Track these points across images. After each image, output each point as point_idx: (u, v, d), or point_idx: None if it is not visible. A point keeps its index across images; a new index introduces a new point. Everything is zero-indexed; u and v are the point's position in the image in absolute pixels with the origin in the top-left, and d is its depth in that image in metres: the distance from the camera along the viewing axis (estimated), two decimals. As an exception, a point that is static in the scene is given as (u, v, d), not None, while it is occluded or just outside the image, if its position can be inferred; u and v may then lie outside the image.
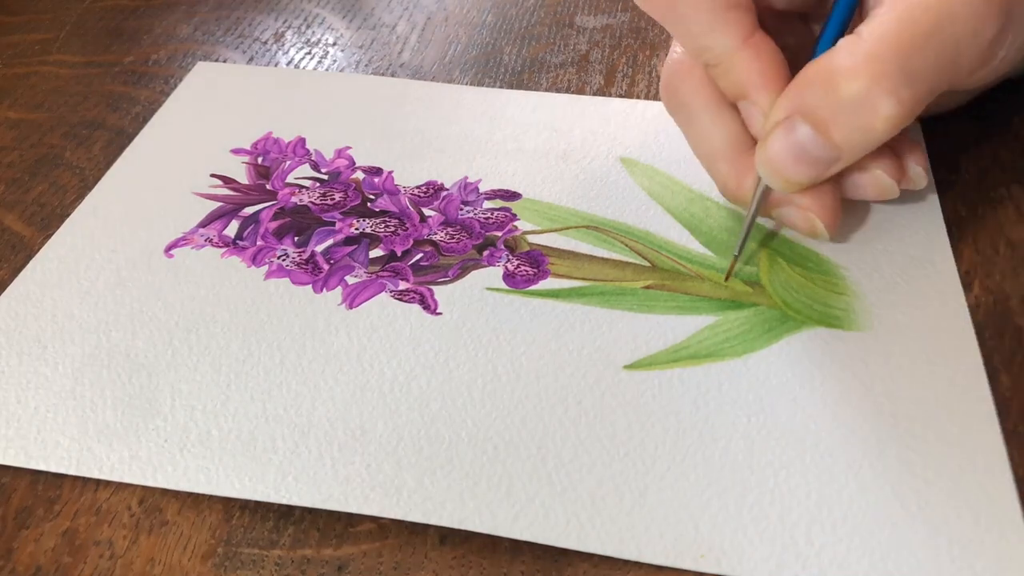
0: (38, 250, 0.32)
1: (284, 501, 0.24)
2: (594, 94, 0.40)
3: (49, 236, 0.33)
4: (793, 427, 0.26)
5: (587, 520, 0.24)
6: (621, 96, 0.40)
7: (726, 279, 0.30)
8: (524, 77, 0.41)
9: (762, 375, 0.27)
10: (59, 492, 0.25)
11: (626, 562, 0.23)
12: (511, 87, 0.40)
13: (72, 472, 0.25)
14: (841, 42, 0.26)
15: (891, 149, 0.29)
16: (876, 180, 0.29)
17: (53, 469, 0.25)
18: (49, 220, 0.34)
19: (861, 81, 0.25)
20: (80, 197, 0.35)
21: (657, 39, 0.44)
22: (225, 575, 0.24)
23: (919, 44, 0.25)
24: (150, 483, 0.25)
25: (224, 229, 0.32)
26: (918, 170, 0.30)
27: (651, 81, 0.41)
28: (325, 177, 0.35)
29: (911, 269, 0.30)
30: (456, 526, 0.24)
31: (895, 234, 0.32)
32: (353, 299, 0.30)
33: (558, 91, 0.40)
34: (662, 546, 0.23)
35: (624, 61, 0.42)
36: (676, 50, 0.31)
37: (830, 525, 0.23)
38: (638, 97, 0.40)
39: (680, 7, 0.27)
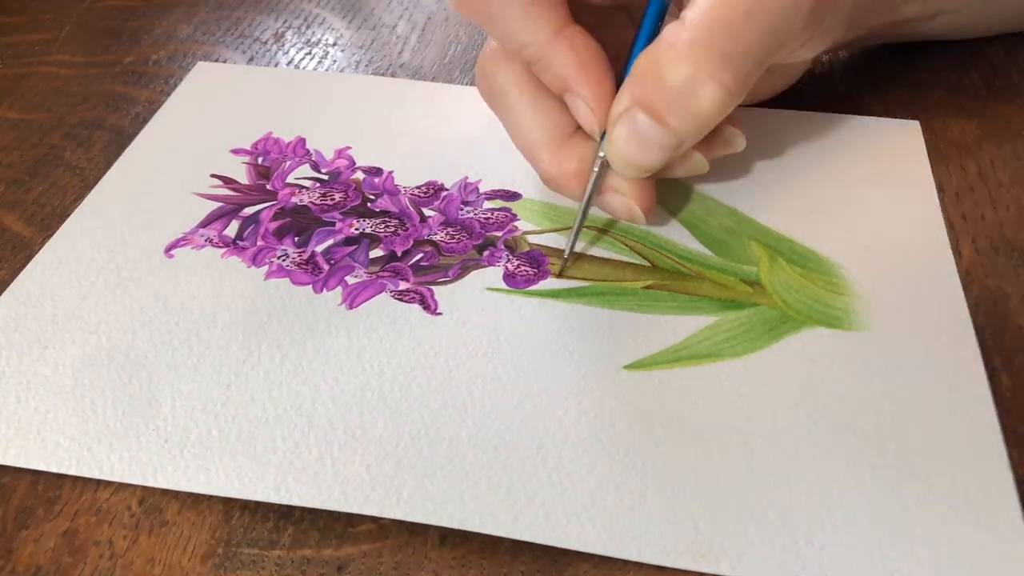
0: (38, 250, 0.32)
1: (284, 501, 0.24)
2: None
3: (49, 236, 0.33)
4: (793, 427, 0.26)
5: (587, 520, 0.24)
6: None
7: (559, 273, 0.31)
8: None
9: (762, 375, 0.27)
10: (59, 492, 0.25)
11: (626, 562, 0.23)
12: None
13: (72, 472, 0.25)
14: (666, 30, 0.27)
15: None
16: (686, 159, 0.30)
17: (53, 469, 0.25)
18: (49, 220, 0.34)
19: (683, 68, 0.26)
20: (80, 197, 0.35)
21: None
22: (225, 575, 0.24)
23: (739, 24, 0.26)
24: (150, 483, 0.25)
25: (224, 229, 0.32)
26: (733, 131, 0.31)
27: None
28: (325, 177, 0.35)
29: (911, 269, 0.30)
30: (456, 526, 0.24)
31: (895, 234, 0.32)
32: (353, 299, 0.30)
33: None
34: (662, 546, 0.23)
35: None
36: (491, 42, 0.31)
37: (830, 525, 0.23)
38: None
39: (493, 6, 0.27)
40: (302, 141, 0.36)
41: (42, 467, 0.25)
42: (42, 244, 0.33)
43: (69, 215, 0.34)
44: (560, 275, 0.30)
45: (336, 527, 0.25)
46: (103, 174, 0.36)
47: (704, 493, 0.24)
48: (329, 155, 0.36)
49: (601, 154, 0.29)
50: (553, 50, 0.28)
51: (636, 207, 0.30)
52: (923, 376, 0.27)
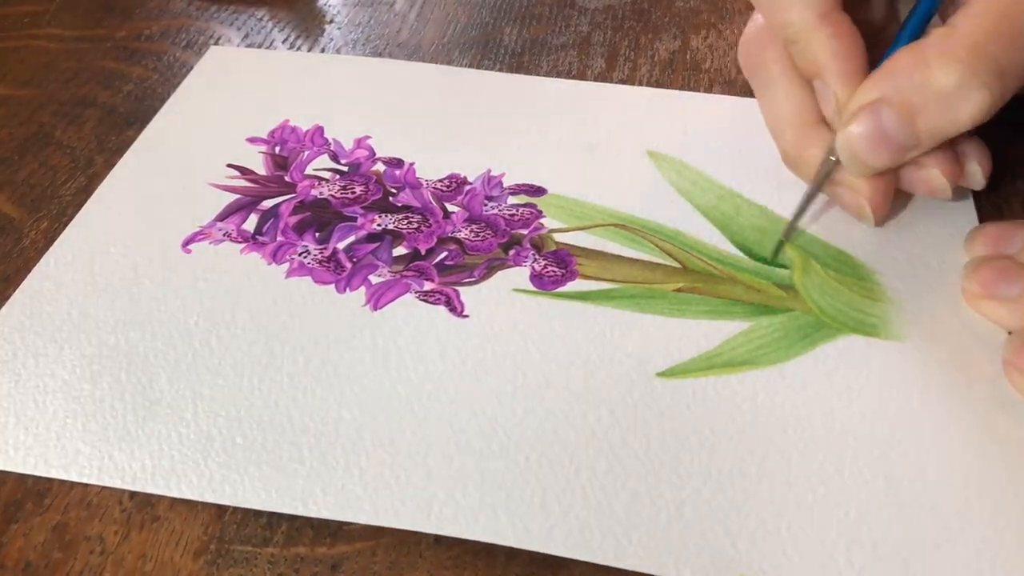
0: (28, 233, 0.31)
1: (313, 515, 0.24)
2: (595, 78, 0.39)
3: (39, 218, 0.32)
4: (830, 440, 0.25)
5: (623, 535, 0.23)
6: (622, 81, 0.39)
7: (772, 258, 0.30)
8: (524, 59, 0.40)
9: (798, 385, 0.27)
10: (49, 485, 0.25)
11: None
12: (511, 69, 0.39)
13: (94, 482, 0.24)
14: (935, 32, 0.26)
15: (951, 146, 0.29)
16: (930, 178, 0.29)
17: (74, 478, 0.24)
18: (39, 202, 0.33)
19: (955, 71, 0.25)
20: (71, 178, 0.34)
21: (660, 22, 0.43)
22: (217, 573, 0.23)
23: (1017, 39, 0.25)
24: (174, 494, 0.24)
25: (243, 223, 0.32)
26: (975, 168, 0.30)
27: (653, 65, 0.40)
28: (345, 169, 0.34)
29: (947, 274, 0.30)
30: (490, 541, 0.23)
31: (929, 236, 0.31)
32: (377, 300, 0.29)
33: (559, 74, 0.39)
34: (700, 564, 0.23)
35: (626, 44, 0.41)
36: (758, 17, 0.31)
37: (870, 544, 0.23)
38: (640, 82, 0.38)
39: None
40: (320, 129, 0.35)
41: (62, 476, 0.25)
42: (32, 226, 0.32)
43: (60, 196, 0.33)
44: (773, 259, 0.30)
45: (330, 525, 0.24)
46: (95, 154, 0.35)
47: (741, 508, 0.24)
48: (348, 144, 0.35)
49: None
50: (813, 34, 0.27)
51: (867, 206, 0.29)
52: (962, 389, 0.26)
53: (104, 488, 0.25)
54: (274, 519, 0.24)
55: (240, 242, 0.31)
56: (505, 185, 0.33)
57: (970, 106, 0.25)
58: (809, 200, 0.30)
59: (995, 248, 0.29)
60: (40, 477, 0.25)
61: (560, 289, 0.29)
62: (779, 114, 0.30)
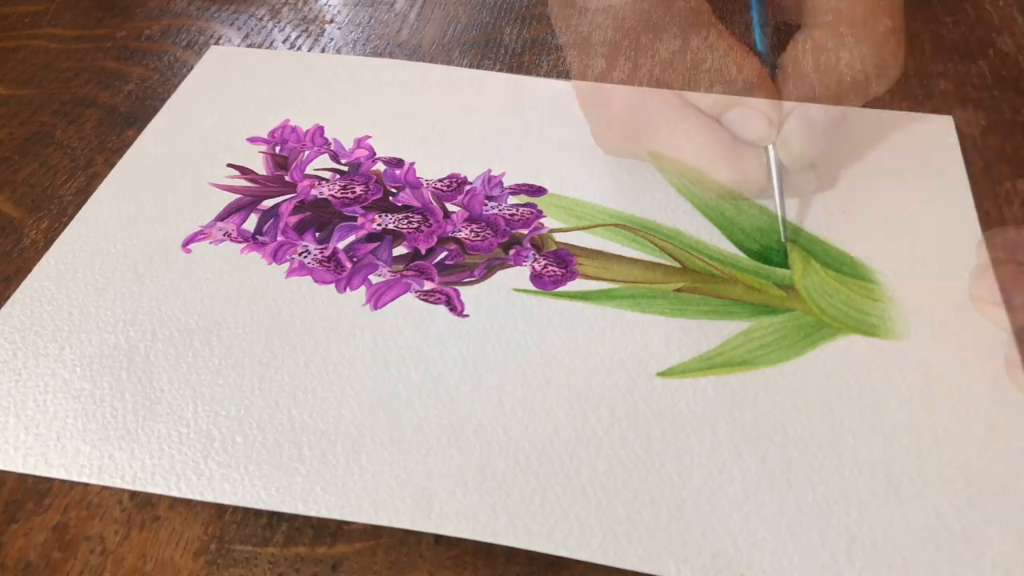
0: (28, 232, 0.31)
1: (312, 513, 0.24)
2: (596, 78, 0.39)
3: (40, 218, 0.32)
4: (831, 440, 0.25)
5: (623, 535, 0.23)
6: (623, 81, 0.39)
7: (784, 260, 0.31)
8: (524, 59, 0.40)
9: (798, 385, 0.27)
10: (49, 485, 0.25)
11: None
12: (511, 69, 0.39)
13: (94, 482, 0.24)
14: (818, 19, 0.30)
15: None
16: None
17: (75, 478, 0.24)
18: (39, 201, 0.33)
19: (868, 58, 0.29)
20: (72, 177, 0.34)
21: (660, 21, 0.43)
22: (218, 572, 0.23)
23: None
24: (173, 493, 0.24)
25: (243, 223, 0.31)
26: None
27: (654, 64, 0.39)
28: (345, 168, 0.34)
29: (947, 274, 0.30)
30: (490, 540, 0.23)
31: (930, 236, 0.31)
32: (377, 300, 0.29)
33: (559, 74, 0.39)
34: (701, 564, 0.23)
35: (627, 44, 0.41)
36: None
37: (871, 544, 0.23)
38: (640, 82, 0.38)
39: None
40: (320, 129, 0.35)
41: (62, 476, 0.24)
42: (32, 226, 0.32)
43: (60, 196, 0.33)
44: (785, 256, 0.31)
45: (330, 524, 0.24)
46: (95, 154, 0.35)
47: (742, 507, 0.24)
48: (348, 144, 0.35)
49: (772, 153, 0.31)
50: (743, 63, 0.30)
51: (813, 176, 0.32)
52: (962, 389, 0.26)
53: (104, 488, 0.25)
54: (274, 519, 0.24)
55: (240, 242, 0.31)
56: (505, 185, 0.33)
57: (886, 81, 0.29)
58: (783, 196, 0.31)
59: (1007, 253, 0.29)
60: (40, 477, 0.25)
61: (560, 289, 0.29)
62: (705, 153, 0.31)
